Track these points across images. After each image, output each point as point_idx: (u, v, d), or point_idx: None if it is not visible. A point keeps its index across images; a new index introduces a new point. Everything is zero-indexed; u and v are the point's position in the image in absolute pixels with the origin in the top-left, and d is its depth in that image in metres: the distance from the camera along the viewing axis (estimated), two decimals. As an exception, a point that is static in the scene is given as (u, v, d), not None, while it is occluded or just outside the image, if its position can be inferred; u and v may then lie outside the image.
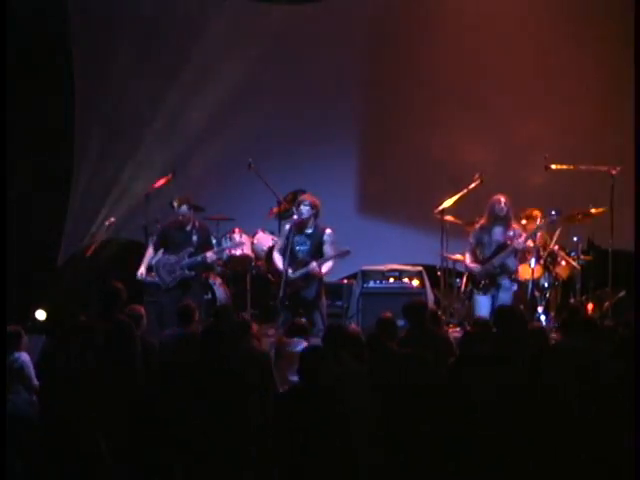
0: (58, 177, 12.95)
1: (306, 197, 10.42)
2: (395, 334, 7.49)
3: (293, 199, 11.44)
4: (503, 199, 10.48)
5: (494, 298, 10.41)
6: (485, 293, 10.48)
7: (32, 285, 11.98)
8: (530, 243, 10.89)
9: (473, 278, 10.68)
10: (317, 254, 10.18)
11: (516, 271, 10.64)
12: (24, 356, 7.91)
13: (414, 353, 7.09)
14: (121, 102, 13.00)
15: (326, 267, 10.19)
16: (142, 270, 10.55)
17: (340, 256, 10.23)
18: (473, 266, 10.57)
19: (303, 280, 10.14)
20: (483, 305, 10.47)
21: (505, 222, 10.47)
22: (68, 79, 12.92)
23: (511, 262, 10.52)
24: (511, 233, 10.47)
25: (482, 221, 10.57)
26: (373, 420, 6.42)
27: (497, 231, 10.47)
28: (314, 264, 10.09)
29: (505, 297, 10.42)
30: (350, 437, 6.22)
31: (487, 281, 10.49)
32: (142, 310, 8.39)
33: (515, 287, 10.63)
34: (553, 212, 10.80)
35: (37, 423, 7.20)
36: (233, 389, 6.69)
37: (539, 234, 11.33)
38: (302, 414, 6.28)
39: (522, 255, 11.07)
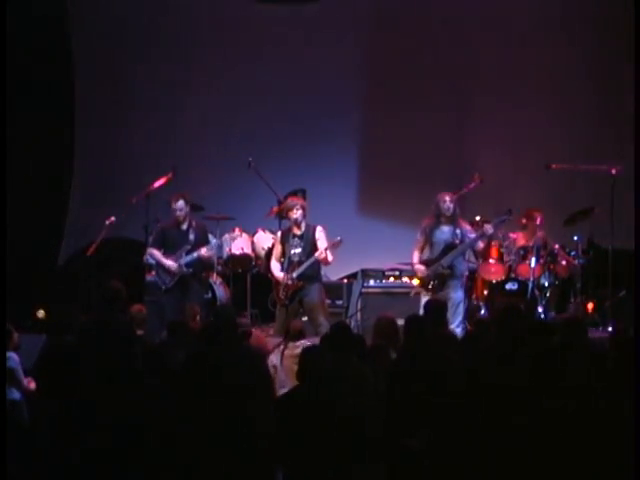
0: (58, 176, 12.96)
1: (294, 201, 10.37)
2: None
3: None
4: (448, 197, 10.36)
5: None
6: (435, 294, 10.17)
7: (32, 285, 11.99)
8: (481, 244, 10.80)
9: (422, 279, 10.40)
10: (313, 253, 10.10)
11: (466, 271, 10.51)
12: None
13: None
14: (121, 101, 13.01)
15: (330, 255, 10.00)
16: (170, 263, 10.49)
17: (334, 247, 10.12)
18: (419, 267, 10.39)
19: (303, 280, 10.13)
20: None
21: (452, 221, 10.35)
22: (68, 78, 12.92)
23: (459, 262, 10.38)
24: (459, 232, 10.35)
25: (428, 220, 10.43)
26: (378, 422, 6.40)
27: (445, 230, 10.36)
28: (318, 252, 9.96)
29: (458, 297, 10.29)
30: (352, 439, 6.21)
31: (436, 282, 10.29)
32: (144, 310, 8.40)
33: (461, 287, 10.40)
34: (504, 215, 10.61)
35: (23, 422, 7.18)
36: (231, 389, 6.67)
37: (539, 233, 11.36)
38: (304, 416, 6.26)
39: (483, 253, 11.09)
